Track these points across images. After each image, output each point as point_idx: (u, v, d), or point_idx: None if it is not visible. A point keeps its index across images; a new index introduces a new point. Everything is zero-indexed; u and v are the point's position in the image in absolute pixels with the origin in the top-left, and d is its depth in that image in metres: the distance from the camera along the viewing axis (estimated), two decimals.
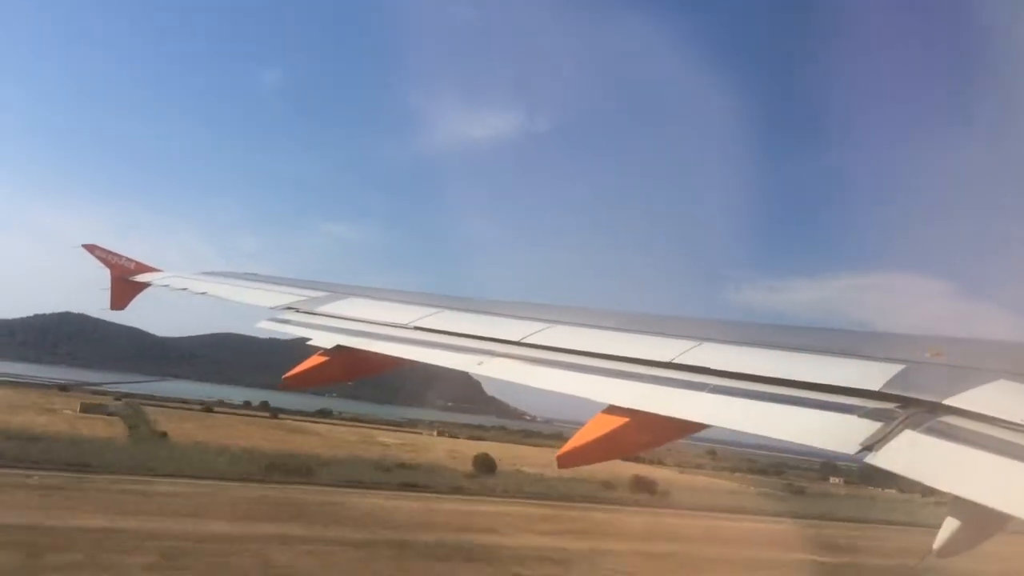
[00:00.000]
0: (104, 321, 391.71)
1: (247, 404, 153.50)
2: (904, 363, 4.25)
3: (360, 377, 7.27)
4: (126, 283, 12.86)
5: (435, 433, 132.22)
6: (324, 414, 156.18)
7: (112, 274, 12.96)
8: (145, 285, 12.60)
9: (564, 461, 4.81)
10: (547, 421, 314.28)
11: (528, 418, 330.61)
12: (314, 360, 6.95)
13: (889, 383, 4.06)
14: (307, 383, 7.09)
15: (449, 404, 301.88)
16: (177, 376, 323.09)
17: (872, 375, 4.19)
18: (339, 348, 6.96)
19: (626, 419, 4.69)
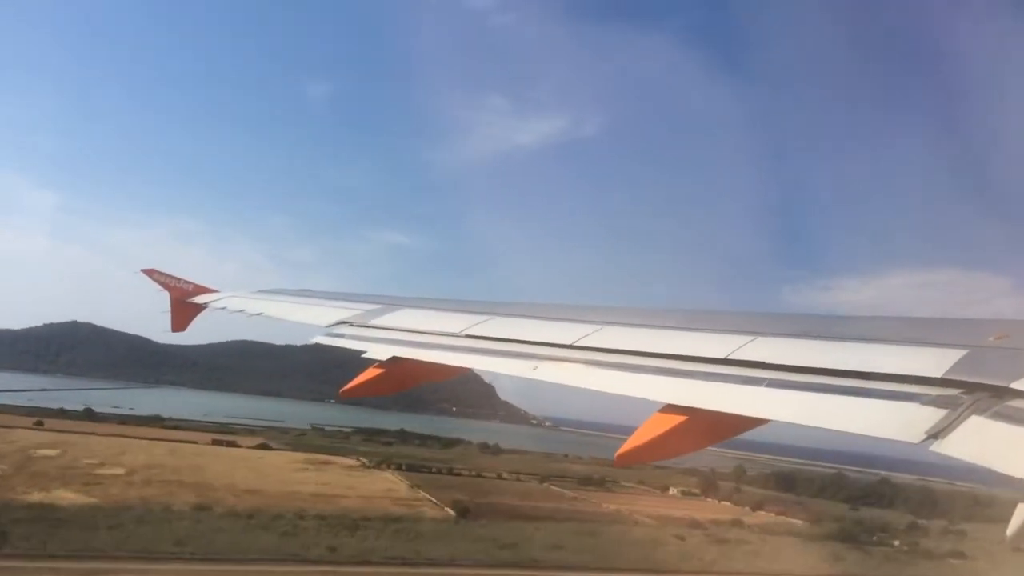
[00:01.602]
0: (109, 330, 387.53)
1: (86, 410, 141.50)
2: (967, 348, 4.18)
3: (415, 386, 7.45)
4: (185, 305, 13.12)
5: (210, 441, 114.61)
6: (155, 420, 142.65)
7: (172, 296, 13.28)
8: (204, 306, 12.83)
9: (623, 460, 4.86)
10: (554, 426, 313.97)
11: (534, 422, 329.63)
12: (370, 372, 7.11)
13: (952, 369, 4.01)
14: (363, 394, 7.26)
15: (454, 409, 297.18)
16: (174, 384, 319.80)
17: (934, 362, 4.13)
18: (394, 359, 7.13)
19: (684, 417, 4.73)
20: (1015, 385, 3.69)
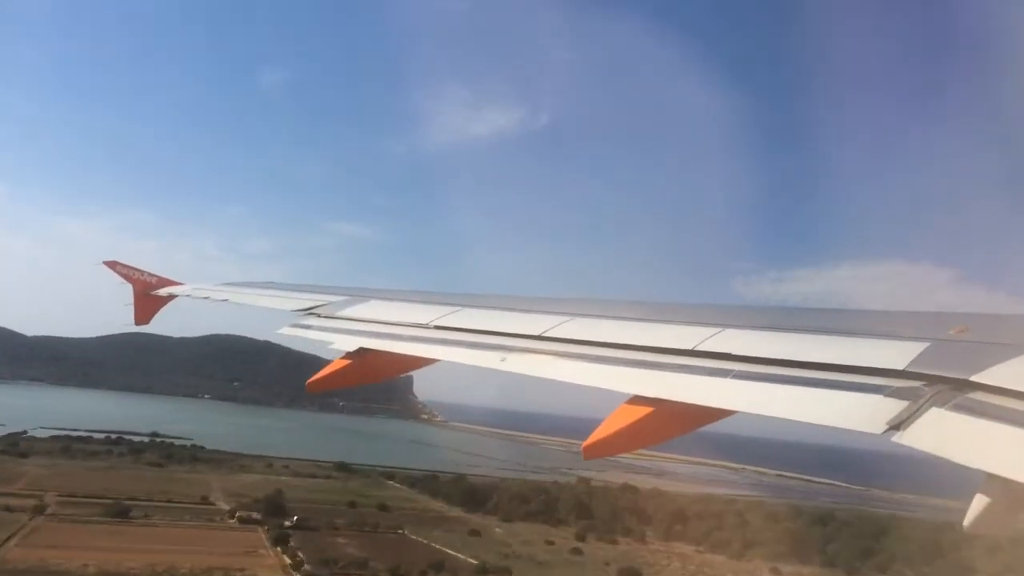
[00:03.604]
0: None
1: None
2: (929, 341, 4.25)
3: (384, 378, 7.38)
4: (149, 298, 13.14)
5: None
6: None
7: (135, 289, 13.26)
8: (168, 299, 12.88)
9: (590, 452, 4.79)
10: (445, 421, 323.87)
11: (425, 417, 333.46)
12: (337, 364, 7.02)
13: (914, 361, 4.07)
14: (331, 386, 7.18)
15: (341, 404, 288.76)
16: (36, 379, 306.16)
17: (897, 354, 4.19)
18: (361, 351, 7.04)
19: (651, 408, 4.71)
20: (975, 378, 3.75)
